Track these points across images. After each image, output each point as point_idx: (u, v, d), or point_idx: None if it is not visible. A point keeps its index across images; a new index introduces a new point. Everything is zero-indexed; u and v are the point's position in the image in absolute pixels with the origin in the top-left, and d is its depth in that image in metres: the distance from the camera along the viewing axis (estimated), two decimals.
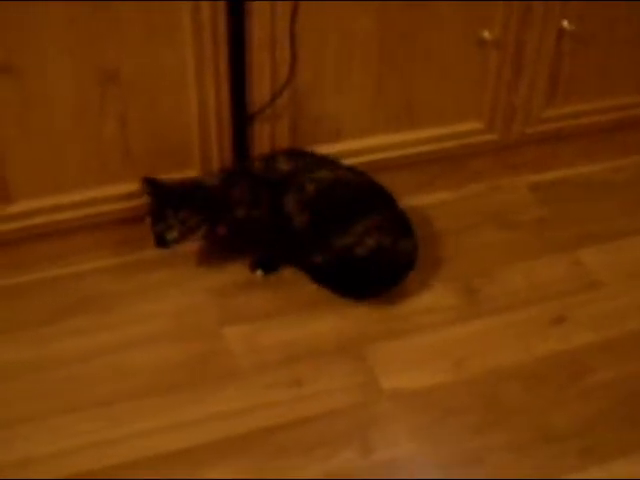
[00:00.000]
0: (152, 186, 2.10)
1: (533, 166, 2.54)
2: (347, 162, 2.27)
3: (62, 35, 1.89)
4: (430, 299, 2.18)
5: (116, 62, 1.97)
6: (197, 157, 2.16)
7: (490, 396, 1.98)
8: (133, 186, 2.14)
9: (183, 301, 2.16)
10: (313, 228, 2.12)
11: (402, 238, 2.14)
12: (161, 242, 2.09)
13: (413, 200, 2.40)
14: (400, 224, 2.16)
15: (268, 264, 2.23)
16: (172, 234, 2.09)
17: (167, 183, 2.11)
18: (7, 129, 1.97)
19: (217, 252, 2.26)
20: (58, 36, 1.89)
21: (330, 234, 2.12)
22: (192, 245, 2.22)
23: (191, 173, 2.17)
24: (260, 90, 2.12)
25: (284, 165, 2.15)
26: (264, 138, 2.19)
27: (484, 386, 1.99)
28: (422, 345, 2.07)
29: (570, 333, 2.11)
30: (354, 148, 2.29)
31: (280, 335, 2.09)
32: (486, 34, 2.22)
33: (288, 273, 2.23)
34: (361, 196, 2.16)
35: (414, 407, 1.95)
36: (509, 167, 2.52)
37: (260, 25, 2.02)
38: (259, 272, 2.22)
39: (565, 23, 2.27)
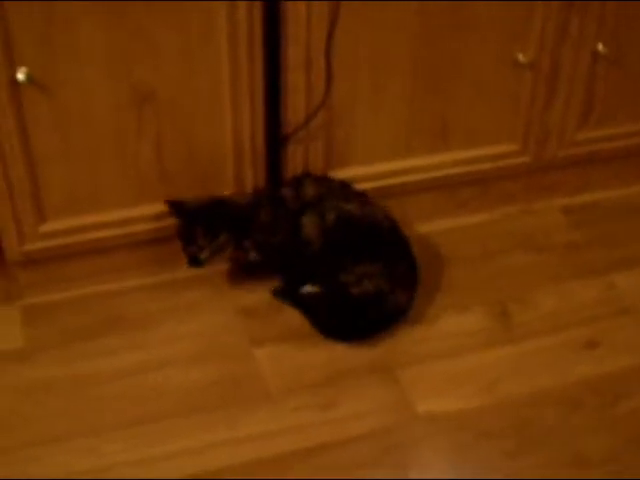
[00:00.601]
0: (177, 208, 2.11)
1: (566, 189, 2.53)
2: (380, 184, 2.28)
3: (100, 56, 1.91)
4: (463, 322, 2.17)
5: (152, 83, 1.98)
6: (231, 178, 2.16)
7: (523, 420, 1.96)
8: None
9: (214, 321, 2.16)
10: (323, 257, 2.12)
11: (401, 290, 2.12)
12: (194, 262, 2.10)
13: (445, 222, 2.41)
14: (406, 276, 2.14)
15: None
16: (204, 254, 2.09)
17: (192, 203, 2.12)
18: (44, 148, 1.98)
19: (248, 272, 2.25)
20: (96, 57, 1.90)
21: (337, 267, 2.11)
22: (224, 265, 2.22)
23: (225, 194, 2.17)
24: (294, 111, 2.12)
25: (310, 189, 2.15)
26: (297, 159, 2.19)
27: (517, 410, 1.98)
28: (456, 368, 2.06)
29: (604, 358, 2.10)
30: (387, 170, 2.29)
31: (311, 357, 2.09)
32: (521, 56, 2.22)
33: None
34: (377, 238, 2.15)
35: (448, 430, 1.94)
36: (542, 190, 2.51)
37: (296, 46, 2.02)
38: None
39: (600, 46, 2.26)
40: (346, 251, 2.11)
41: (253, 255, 2.15)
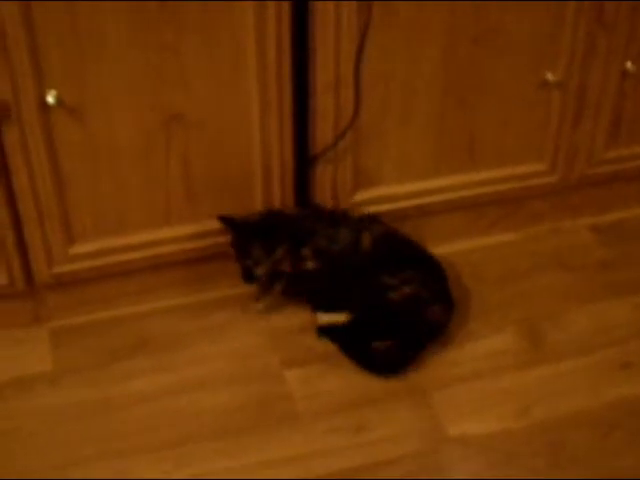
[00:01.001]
0: (231, 223, 2.10)
1: (594, 207, 2.52)
2: (408, 204, 2.28)
3: (128, 77, 1.90)
4: (495, 343, 2.15)
5: (181, 104, 1.97)
6: (259, 198, 2.16)
7: (557, 443, 1.94)
8: (196, 227, 2.14)
9: (244, 343, 2.15)
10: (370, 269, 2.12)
11: (440, 305, 2.12)
12: (249, 278, 2.11)
13: (474, 242, 2.40)
14: (442, 291, 2.15)
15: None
16: (260, 269, 2.10)
17: (245, 217, 2.12)
18: (72, 170, 1.98)
19: (278, 294, 2.24)
20: (125, 78, 1.90)
21: (381, 275, 2.11)
22: (253, 287, 2.21)
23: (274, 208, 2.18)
24: (323, 131, 2.11)
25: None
26: (326, 179, 2.19)
27: (551, 432, 1.96)
28: (488, 390, 2.04)
29: (639, 378, 2.07)
30: (416, 190, 2.28)
31: (341, 379, 2.07)
32: (550, 75, 2.21)
33: None
34: (414, 254, 2.18)
35: (480, 453, 1.91)
36: (570, 208, 2.49)
37: (324, 66, 2.02)
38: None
39: (629, 64, 2.25)
40: (388, 264, 2.11)
41: (311, 264, 2.12)
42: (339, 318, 2.14)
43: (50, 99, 1.87)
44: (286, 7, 1.92)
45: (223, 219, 2.11)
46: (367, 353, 2.10)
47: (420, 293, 2.09)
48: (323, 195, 2.20)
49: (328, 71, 2.02)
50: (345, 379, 2.06)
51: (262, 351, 2.13)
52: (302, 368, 2.09)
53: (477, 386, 2.05)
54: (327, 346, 2.14)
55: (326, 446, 1.93)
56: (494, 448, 1.92)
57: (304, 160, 2.15)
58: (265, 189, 2.15)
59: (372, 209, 2.25)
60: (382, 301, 2.09)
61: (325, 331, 2.15)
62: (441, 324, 2.13)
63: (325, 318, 2.17)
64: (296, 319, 2.20)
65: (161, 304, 2.22)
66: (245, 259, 2.10)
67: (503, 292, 2.28)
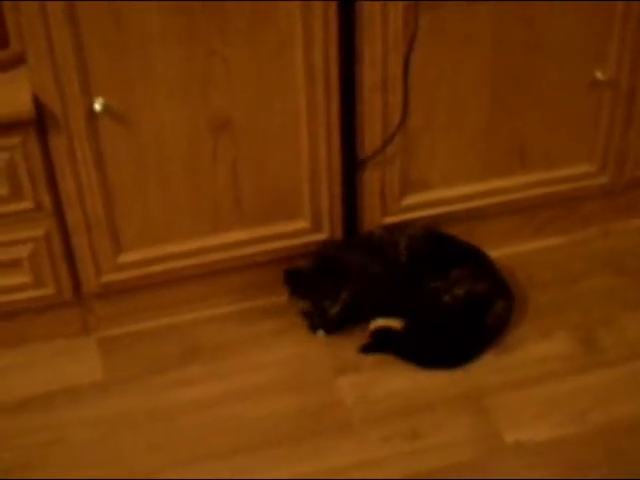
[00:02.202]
0: (294, 276, 2.11)
1: None
2: (457, 207, 2.25)
3: (175, 83, 1.89)
4: (548, 348, 2.12)
5: (228, 110, 1.96)
6: (307, 205, 2.13)
7: (615, 449, 1.90)
8: (244, 234, 2.12)
9: (295, 351, 2.13)
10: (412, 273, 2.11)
11: (498, 298, 2.11)
12: (327, 325, 2.14)
13: (525, 246, 2.37)
14: (498, 285, 2.14)
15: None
16: (334, 308, 2.11)
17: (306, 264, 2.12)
18: (120, 178, 1.97)
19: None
20: (171, 84, 1.89)
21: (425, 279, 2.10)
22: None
23: (301, 222, 2.15)
24: (371, 135, 2.09)
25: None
26: (374, 184, 2.16)
27: (609, 439, 1.92)
28: (543, 396, 2.01)
29: None
30: (465, 193, 2.25)
31: (394, 386, 2.05)
32: (599, 74, 2.17)
33: None
34: (460, 251, 2.18)
35: (538, 460, 1.88)
36: (621, 210, 2.45)
37: (372, 69, 2.00)
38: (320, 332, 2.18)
39: None
40: (431, 267, 2.10)
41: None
42: (393, 323, 2.11)
43: (97, 107, 1.86)
44: (333, 9, 1.90)
45: (288, 273, 2.11)
46: (429, 353, 2.09)
47: (475, 291, 2.06)
48: (371, 200, 2.18)
49: (375, 73, 2.00)
50: (398, 385, 2.04)
51: (313, 358, 2.11)
52: (354, 375, 2.07)
53: (532, 392, 2.02)
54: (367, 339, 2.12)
55: (380, 454, 1.90)
56: (551, 455, 1.89)
57: (352, 165, 2.12)
58: (313, 194, 2.13)
59: (421, 213, 2.23)
60: (436, 307, 2.06)
61: (372, 345, 2.12)
62: (503, 320, 2.10)
63: (379, 323, 2.14)
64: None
65: (210, 312, 2.21)
66: (318, 302, 2.10)
67: (556, 296, 2.25)
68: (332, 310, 2.10)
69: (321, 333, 2.16)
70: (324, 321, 2.13)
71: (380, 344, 2.11)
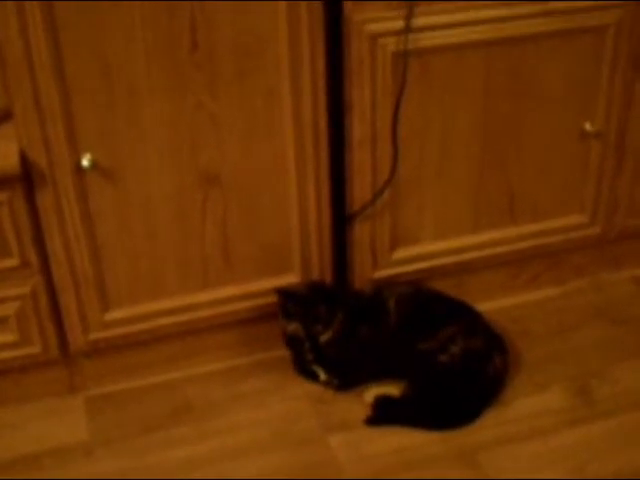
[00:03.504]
0: (286, 294, 2.07)
1: (636, 259, 2.46)
2: (448, 261, 2.24)
3: (163, 139, 1.88)
4: (543, 400, 2.08)
5: (217, 164, 1.94)
6: (297, 260, 2.11)
7: None
8: (234, 290, 2.09)
9: (285, 408, 2.09)
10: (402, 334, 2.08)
11: (495, 352, 2.09)
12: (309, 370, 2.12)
13: (516, 298, 2.36)
14: (491, 338, 2.11)
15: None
16: (326, 335, 2.06)
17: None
18: (107, 234, 1.95)
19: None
20: (159, 140, 1.88)
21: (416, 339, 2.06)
22: (286, 351, 2.16)
23: (291, 277, 2.13)
24: (360, 189, 2.08)
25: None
26: (364, 238, 2.14)
27: None
28: (539, 450, 1.97)
29: None
30: (455, 246, 2.23)
31: (387, 442, 2.00)
32: (588, 125, 2.17)
33: None
34: (449, 307, 2.14)
35: None
36: (612, 261, 2.44)
37: (361, 122, 1.99)
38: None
39: None
40: (421, 326, 2.07)
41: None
42: (389, 390, 2.09)
43: (85, 162, 1.85)
44: (321, 65, 1.90)
45: (280, 291, 2.07)
46: (435, 416, 2.04)
47: (471, 347, 2.04)
48: (361, 255, 2.16)
49: (364, 126, 2.00)
50: (391, 442, 2.00)
51: (304, 416, 2.07)
52: (346, 432, 2.02)
53: (527, 446, 1.98)
54: (368, 407, 2.07)
55: None
56: None
57: (342, 219, 2.11)
58: (303, 248, 2.11)
59: (411, 267, 2.21)
60: (435, 368, 2.03)
61: (378, 416, 2.06)
62: (502, 373, 2.08)
63: (372, 393, 2.10)
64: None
65: (199, 369, 2.18)
66: (311, 324, 2.04)
67: (549, 348, 2.23)
68: (323, 336, 2.04)
69: (321, 374, 2.12)
70: (313, 348, 2.06)
71: (384, 414, 2.06)
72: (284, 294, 2.06)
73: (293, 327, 2.05)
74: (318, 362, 2.10)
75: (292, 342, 2.09)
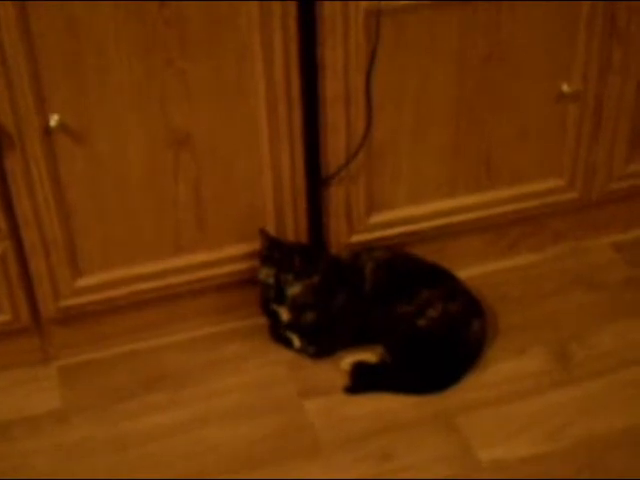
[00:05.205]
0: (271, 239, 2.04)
1: (616, 225, 2.44)
2: (424, 226, 2.21)
3: (132, 98, 1.84)
4: (522, 364, 2.07)
5: (188, 124, 1.91)
6: (272, 224, 2.08)
7: (594, 465, 1.85)
8: (208, 255, 2.06)
9: (260, 374, 2.07)
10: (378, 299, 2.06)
11: (473, 317, 2.07)
12: (277, 299, 2.04)
13: (495, 264, 2.34)
14: (469, 303, 2.09)
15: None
16: (293, 289, 2.02)
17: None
18: (77, 198, 1.92)
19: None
20: (128, 99, 1.84)
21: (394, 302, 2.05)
22: (263, 319, 2.14)
23: None
24: (335, 151, 2.05)
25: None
26: (339, 202, 2.11)
27: (587, 455, 1.87)
28: (518, 413, 1.95)
29: None
30: (432, 211, 2.20)
31: (363, 406, 1.98)
32: (565, 86, 2.14)
33: None
34: (427, 272, 2.13)
35: (515, 478, 1.81)
36: (592, 226, 2.42)
37: (334, 81, 1.96)
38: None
39: None
40: (399, 291, 2.05)
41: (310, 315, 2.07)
42: (365, 356, 2.07)
43: (53, 123, 1.81)
44: (292, 22, 1.87)
45: (265, 238, 2.04)
46: (415, 381, 2.02)
47: (450, 312, 2.02)
48: (337, 219, 2.13)
49: (338, 84, 1.96)
50: (366, 407, 1.98)
51: (279, 382, 2.05)
52: (322, 398, 2.01)
53: (506, 409, 1.96)
54: (345, 374, 2.04)
55: (351, 477, 1.84)
56: (528, 472, 1.83)
57: (316, 182, 2.08)
58: (278, 214, 2.08)
59: (388, 232, 2.18)
60: (413, 333, 2.01)
61: (357, 384, 2.04)
62: (481, 338, 2.07)
63: (349, 360, 2.08)
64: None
65: (173, 337, 2.15)
66: (284, 271, 2.00)
67: (528, 313, 2.21)
68: (292, 288, 2.00)
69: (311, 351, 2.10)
70: (279, 298, 2.02)
71: (362, 382, 2.04)
72: (266, 237, 2.03)
73: (265, 272, 2.02)
74: (291, 328, 2.07)
75: (263, 290, 2.06)
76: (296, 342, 2.10)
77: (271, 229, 2.08)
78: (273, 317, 2.09)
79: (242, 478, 1.83)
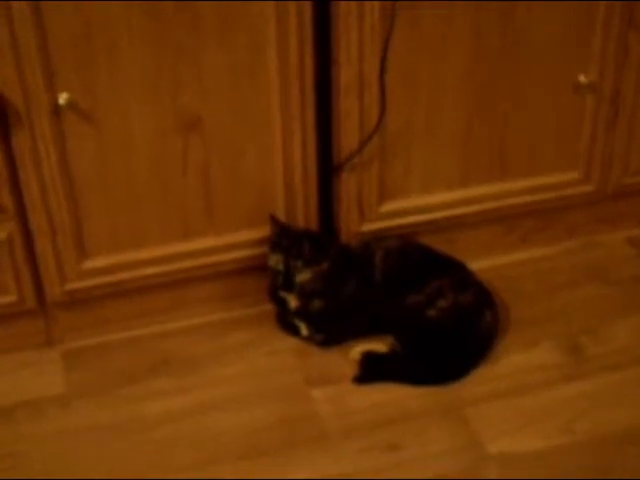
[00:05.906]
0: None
1: (631, 219, 2.41)
2: (436, 216, 2.18)
3: (142, 79, 1.82)
4: (533, 357, 2.04)
5: (198, 109, 1.88)
6: (282, 210, 2.06)
7: (605, 459, 1.82)
8: (216, 241, 2.03)
9: (267, 362, 2.04)
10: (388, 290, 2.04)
11: (485, 307, 2.05)
12: (284, 286, 2.01)
13: (508, 256, 2.31)
14: (481, 293, 2.07)
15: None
16: (302, 275, 1.99)
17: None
18: (85, 179, 1.89)
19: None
20: (138, 80, 1.82)
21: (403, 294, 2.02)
22: (272, 306, 2.11)
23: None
24: (347, 139, 2.02)
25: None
26: (351, 190, 2.09)
27: (597, 449, 1.84)
28: (528, 406, 1.92)
29: None
30: (444, 201, 2.18)
31: (371, 396, 1.96)
32: (582, 78, 2.11)
33: None
34: (437, 262, 2.10)
35: (524, 472, 1.79)
36: (606, 220, 2.39)
37: (348, 69, 1.93)
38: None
39: None
40: (409, 278, 2.02)
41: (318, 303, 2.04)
42: (375, 346, 2.04)
43: (62, 102, 1.78)
44: (308, 9, 1.84)
45: (275, 223, 2.02)
46: (425, 372, 1.99)
47: (461, 302, 1.99)
48: (348, 207, 2.10)
49: (351, 73, 1.94)
50: (375, 396, 1.95)
51: (286, 370, 2.02)
52: (330, 386, 1.98)
53: (516, 402, 1.93)
54: (354, 363, 2.01)
55: (358, 466, 1.81)
56: (537, 465, 1.80)
57: (328, 170, 2.05)
58: (288, 199, 2.05)
59: (399, 221, 2.15)
60: (423, 323, 1.98)
61: (366, 373, 2.01)
62: (492, 329, 2.04)
63: (359, 350, 2.05)
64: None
65: (180, 323, 2.12)
66: (293, 258, 1.96)
67: (540, 307, 2.18)
68: (301, 275, 1.97)
69: (303, 329, 2.07)
70: (287, 285, 1.99)
71: (371, 372, 2.01)
72: (276, 223, 2.01)
73: (275, 259, 1.99)
74: (299, 315, 2.04)
75: (272, 278, 2.02)
76: (304, 330, 2.07)
77: (281, 216, 2.05)
78: (281, 304, 2.06)
79: (247, 466, 1.80)
